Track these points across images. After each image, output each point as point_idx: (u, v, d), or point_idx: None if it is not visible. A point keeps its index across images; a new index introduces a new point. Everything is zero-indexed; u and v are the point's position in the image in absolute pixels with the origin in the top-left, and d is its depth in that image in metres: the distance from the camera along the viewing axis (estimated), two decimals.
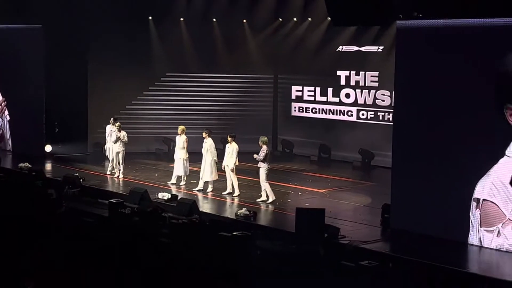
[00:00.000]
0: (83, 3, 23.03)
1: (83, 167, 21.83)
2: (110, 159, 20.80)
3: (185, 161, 19.24)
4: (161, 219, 15.22)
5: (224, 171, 18.38)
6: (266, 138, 17.78)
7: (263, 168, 17.35)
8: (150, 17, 24.92)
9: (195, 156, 19.61)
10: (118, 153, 20.26)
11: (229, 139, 18.28)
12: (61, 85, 23.75)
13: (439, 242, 13.69)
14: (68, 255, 11.20)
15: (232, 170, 18.10)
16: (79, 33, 24.02)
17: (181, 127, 19.52)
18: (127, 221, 15.08)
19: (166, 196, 17.30)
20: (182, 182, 19.25)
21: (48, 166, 22.57)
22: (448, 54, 13.86)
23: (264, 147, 17.43)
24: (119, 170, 20.26)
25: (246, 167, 19.47)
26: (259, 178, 17.56)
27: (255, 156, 17.40)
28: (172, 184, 19.33)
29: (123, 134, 20.26)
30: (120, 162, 20.24)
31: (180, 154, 19.26)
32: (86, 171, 21.12)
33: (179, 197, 17.20)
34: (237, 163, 18.14)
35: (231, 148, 18.16)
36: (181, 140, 19.36)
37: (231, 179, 18.18)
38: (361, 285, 10.97)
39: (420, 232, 14.15)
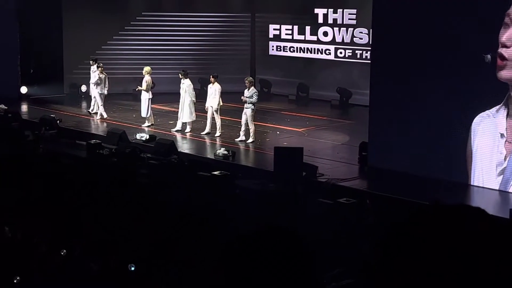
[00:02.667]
0: None
1: (59, 109, 21.67)
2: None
3: (146, 101, 19.11)
4: (140, 160, 15.23)
5: (205, 112, 18.30)
6: (251, 78, 17.65)
7: (250, 108, 17.21)
8: None
9: (173, 97, 19.50)
10: (100, 94, 20.14)
11: (211, 79, 18.10)
12: (35, 25, 23.35)
13: (415, 179, 13.85)
14: (46, 197, 11.19)
15: (216, 111, 17.99)
16: None
17: (145, 68, 19.38)
18: (105, 162, 15.07)
19: (144, 136, 17.28)
20: (145, 124, 19.16)
21: (24, 107, 22.38)
22: None
23: (252, 88, 17.28)
24: (99, 112, 20.18)
25: (224, 107, 19.40)
26: (239, 118, 17.49)
27: (243, 98, 17.21)
28: (146, 126, 19.19)
29: (104, 76, 20.13)
30: (99, 103, 20.13)
31: (142, 95, 19.20)
32: (63, 113, 20.97)
33: (157, 138, 17.18)
34: (221, 103, 18.03)
35: (214, 89, 18.00)
36: (143, 81, 19.24)
37: (215, 119, 18.03)
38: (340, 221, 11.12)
39: (397, 170, 14.30)
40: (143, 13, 25.02)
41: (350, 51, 23.30)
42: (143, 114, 19.20)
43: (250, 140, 17.26)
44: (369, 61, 16.06)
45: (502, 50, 12.63)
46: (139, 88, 19.32)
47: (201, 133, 18.22)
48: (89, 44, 23.95)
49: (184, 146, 17.14)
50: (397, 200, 12.52)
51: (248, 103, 17.09)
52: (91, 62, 21.07)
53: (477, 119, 13.36)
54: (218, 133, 17.95)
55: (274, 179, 13.77)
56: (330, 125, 19.96)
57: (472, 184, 13.51)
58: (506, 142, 13.02)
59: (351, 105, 22.66)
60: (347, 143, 17.57)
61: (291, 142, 17.21)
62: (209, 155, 16.19)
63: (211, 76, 18.18)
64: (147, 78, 19.15)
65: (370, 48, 17.62)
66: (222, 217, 10.84)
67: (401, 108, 14.37)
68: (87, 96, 22.25)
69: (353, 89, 22.61)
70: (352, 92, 22.73)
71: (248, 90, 17.19)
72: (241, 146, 17.10)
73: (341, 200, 11.80)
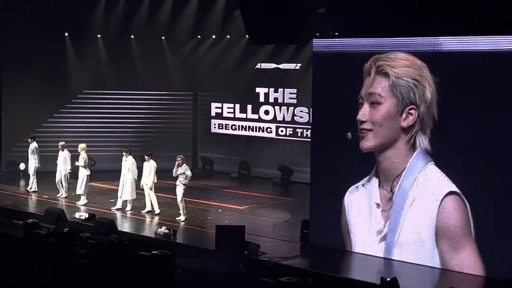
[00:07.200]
0: None
1: None
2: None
3: (83, 179, 18.94)
4: (78, 239, 14.89)
5: (142, 190, 18.20)
6: (183, 156, 17.64)
7: (182, 186, 17.21)
8: (66, 34, 24.50)
9: (114, 174, 19.33)
10: (65, 174, 19.85)
11: (146, 157, 18.19)
12: None
13: (357, 257, 13.91)
14: None
15: (150, 188, 17.97)
16: None
17: (80, 145, 19.25)
18: (43, 242, 14.70)
19: (84, 215, 16.99)
20: (81, 201, 18.94)
21: None
22: (362, 72, 14.17)
23: (185, 165, 17.32)
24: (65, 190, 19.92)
25: (165, 184, 19.33)
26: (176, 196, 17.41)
27: (177, 174, 17.19)
28: (82, 205, 18.90)
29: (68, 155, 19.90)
30: (64, 182, 19.87)
31: (80, 172, 19.03)
32: None
33: (97, 217, 16.90)
34: (155, 181, 18.02)
35: (149, 166, 18.05)
36: (79, 158, 19.05)
37: (150, 197, 18.03)
38: None
39: (338, 247, 14.35)
40: (84, 91, 24.99)
41: (291, 129, 23.66)
42: (78, 191, 18.97)
43: (182, 218, 17.17)
44: (310, 139, 16.29)
45: (362, 126, 13.83)
46: (77, 163, 19.12)
47: (142, 211, 18.05)
48: (29, 122, 23.72)
49: (124, 225, 16.90)
50: (339, 278, 12.52)
51: (184, 180, 17.08)
52: (29, 140, 20.87)
53: (348, 193, 14.25)
54: (157, 211, 17.83)
55: (215, 258, 13.63)
56: (272, 203, 20.01)
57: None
58: (383, 211, 13.68)
59: (292, 182, 22.85)
60: (289, 221, 17.61)
61: (233, 220, 17.17)
62: (150, 233, 15.98)
63: (145, 155, 18.24)
64: (83, 155, 19.02)
65: (310, 127, 17.92)
66: None
67: (340, 185, 14.54)
68: (26, 174, 21.88)
69: (294, 166, 22.86)
70: (293, 170, 22.96)
71: (180, 167, 17.18)
72: (182, 224, 16.97)
73: (283, 279, 11.71)
